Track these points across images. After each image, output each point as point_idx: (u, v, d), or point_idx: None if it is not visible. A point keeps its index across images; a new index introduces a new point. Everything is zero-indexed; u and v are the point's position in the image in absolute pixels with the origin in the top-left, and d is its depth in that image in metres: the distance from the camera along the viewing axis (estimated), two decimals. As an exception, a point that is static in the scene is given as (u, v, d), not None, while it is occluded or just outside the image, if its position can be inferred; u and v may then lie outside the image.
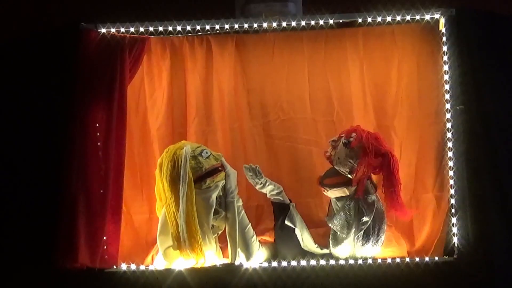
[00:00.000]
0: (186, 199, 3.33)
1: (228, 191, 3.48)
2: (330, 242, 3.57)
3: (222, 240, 3.64)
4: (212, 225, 3.51)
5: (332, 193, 3.56)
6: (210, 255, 3.46)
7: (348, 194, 3.52)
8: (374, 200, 3.52)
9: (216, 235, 3.54)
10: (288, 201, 3.61)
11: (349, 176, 3.51)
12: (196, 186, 3.39)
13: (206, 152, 3.48)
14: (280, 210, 3.59)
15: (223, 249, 3.63)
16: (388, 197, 3.49)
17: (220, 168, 3.50)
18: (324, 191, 3.60)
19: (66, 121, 3.51)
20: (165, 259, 3.49)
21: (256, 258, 3.48)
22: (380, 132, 3.78)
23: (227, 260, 3.53)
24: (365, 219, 3.47)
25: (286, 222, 3.55)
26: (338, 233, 3.52)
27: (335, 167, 3.56)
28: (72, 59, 3.55)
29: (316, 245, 3.61)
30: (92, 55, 3.60)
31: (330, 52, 3.94)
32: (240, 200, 3.53)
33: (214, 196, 3.44)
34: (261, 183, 3.57)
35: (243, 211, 3.52)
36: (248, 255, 3.46)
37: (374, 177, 3.64)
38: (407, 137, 3.85)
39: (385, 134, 3.81)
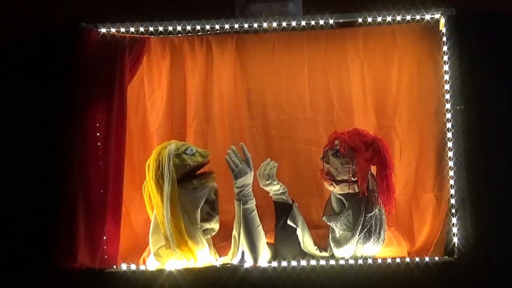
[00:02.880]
0: (170, 198, 3.32)
1: (236, 191, 3.46)
2: (332, 244, 3.55)
3: (221, 240, 3.64)
4: (206, 228, 3.51)
5: (341, 189, 3.52)
6: (202, 255, 3.45)
7: (357, 191, 3.50)
8: (377, 196, 3.51)
9: (209, 236, 3.54)
10: (291, 202, 3.61)
11: (353, 179, 3.48)
12: (182, 186, 3.40)
13: (191, 150, 3.47)
14: (283, 210, 3.58)
15: (222, 248, 3.63)
16: (379, 182, 3.47)
17: (206, 165, 3.51)
18: (330, 185, 3.53)
19: (66, 121, 3.50)
20: (157, 259, 3.47)
21: (262, 260, 3.46)
22: (380, 132, 3.79)
23: (226, 258, 3.53)
24: (370, 214, 3.46)
25: (288, 222, 3.54)
26: (342, 232, 3.49)
27: (337, 179, 3.53)
28: (72, 59, 3.54)
29: (316, 247, 3.60)
30: (92, 55, 3.60)
31: (330, 52, 3.94)
32: (250, 201, 3.45)
33: (200, 198, 3.44)
34: (269, 180, 3.56)
35: (254, 212, 3.46)
36: (254, 257, 3.44)
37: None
38: (407, 137, 3.84)
39: (385, 134, 3.81)
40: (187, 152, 3.45)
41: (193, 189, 3.44)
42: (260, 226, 3.47)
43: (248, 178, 3.47)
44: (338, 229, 3.51)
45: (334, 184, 3.52)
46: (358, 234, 3.46)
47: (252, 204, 3.47)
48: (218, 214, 3.52)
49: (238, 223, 3.46)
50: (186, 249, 3.36)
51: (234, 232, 3.48)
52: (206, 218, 3.50)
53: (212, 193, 3.52)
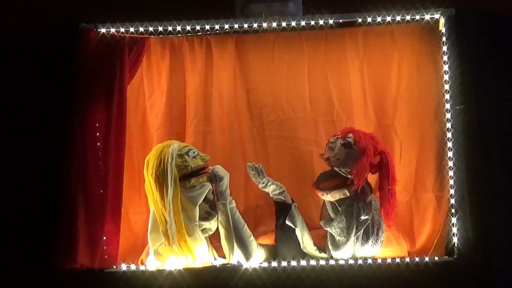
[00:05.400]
0: (172, 197, 3.34)
1: (220, 194, 3.48)
2: (330, 247, 3.54)
3: (218, 239, 3.63)
4: (205, 228, 3.51)
5: (332, 196, 3.54)
6: (201, 252, 3.46)
7: (348, 195, 3.51)
8: (371, 200, 3.53)
9: (207, 235, 3.55)
10: (290, 201, 3.61)
11: (348, 176, 3.50)
12: (181, 185, 3.41)
13: (193, 152, 3.50)
14: (281, 210, 3.58)
15: (219, 247, 3.63)
16: (383, 197, 3.49)
17: (206, 169, 3.52)
18: (322, 195, 3.57)
19: (66, 121, 3.51)
20: (157, 257, 3.48)
21: (255, 257, 3.48)
22: (380, 132, 3.79)
23: (224, 259, 3.54)
24: (363, 217, 3.47)
25: (287, 222, 3.54)
26: (337, 237, 3.50)
27: (334, 168, 3.55)
28: (71, 59, 3.55)
29: (315, 248, 3.60)
30: (91, 55, 3.61)
31: (330, 52, 3.94)
32: (233, 201, 3.52)
33: (198, 195, 3.45)
34: (263, 182, 3.56)
35: (237, 212, 3.51)
36: (247, 255, 3.46)
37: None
38: (407, 136, 3.85)
39: (385, 133, 3.82)
40: (189, 153, 3.47)
41: (191, 187, 3.45)
42: (246, 224, 3.50)
43: (227, 180, 3.53)
44: (334, 233, 3.51)
45: (326, 193, 3.53)
46: (352, 237, 3.46)
47: (234, 204, 3.52)
48: (217, 213, 3.53)
49: (228, 222, 3.46)
50: (185, 246, 3.37)
51: (225, 233, 3.47)
52: (206, 217, 3.50)
53: (211, 192, 3.53)
